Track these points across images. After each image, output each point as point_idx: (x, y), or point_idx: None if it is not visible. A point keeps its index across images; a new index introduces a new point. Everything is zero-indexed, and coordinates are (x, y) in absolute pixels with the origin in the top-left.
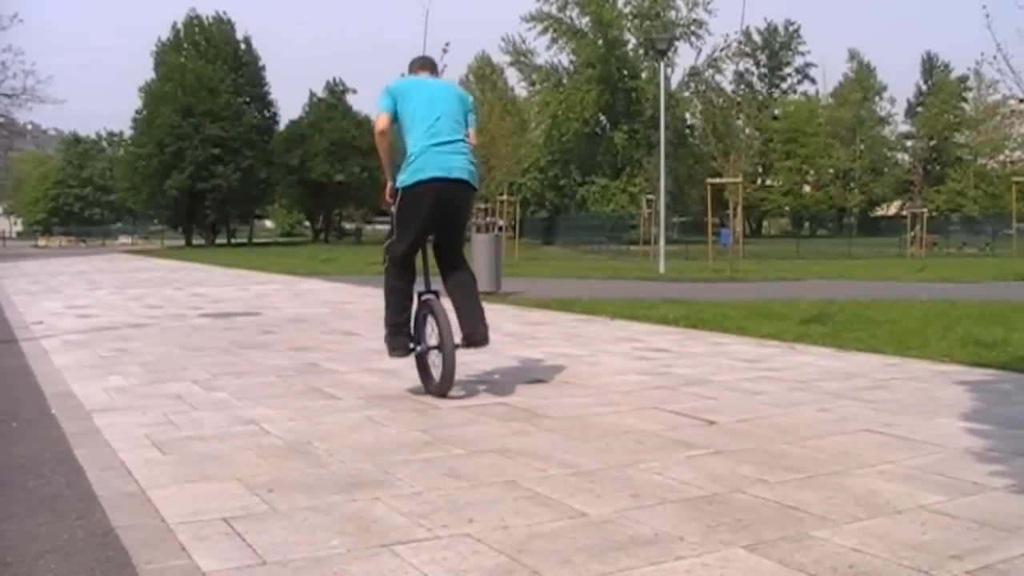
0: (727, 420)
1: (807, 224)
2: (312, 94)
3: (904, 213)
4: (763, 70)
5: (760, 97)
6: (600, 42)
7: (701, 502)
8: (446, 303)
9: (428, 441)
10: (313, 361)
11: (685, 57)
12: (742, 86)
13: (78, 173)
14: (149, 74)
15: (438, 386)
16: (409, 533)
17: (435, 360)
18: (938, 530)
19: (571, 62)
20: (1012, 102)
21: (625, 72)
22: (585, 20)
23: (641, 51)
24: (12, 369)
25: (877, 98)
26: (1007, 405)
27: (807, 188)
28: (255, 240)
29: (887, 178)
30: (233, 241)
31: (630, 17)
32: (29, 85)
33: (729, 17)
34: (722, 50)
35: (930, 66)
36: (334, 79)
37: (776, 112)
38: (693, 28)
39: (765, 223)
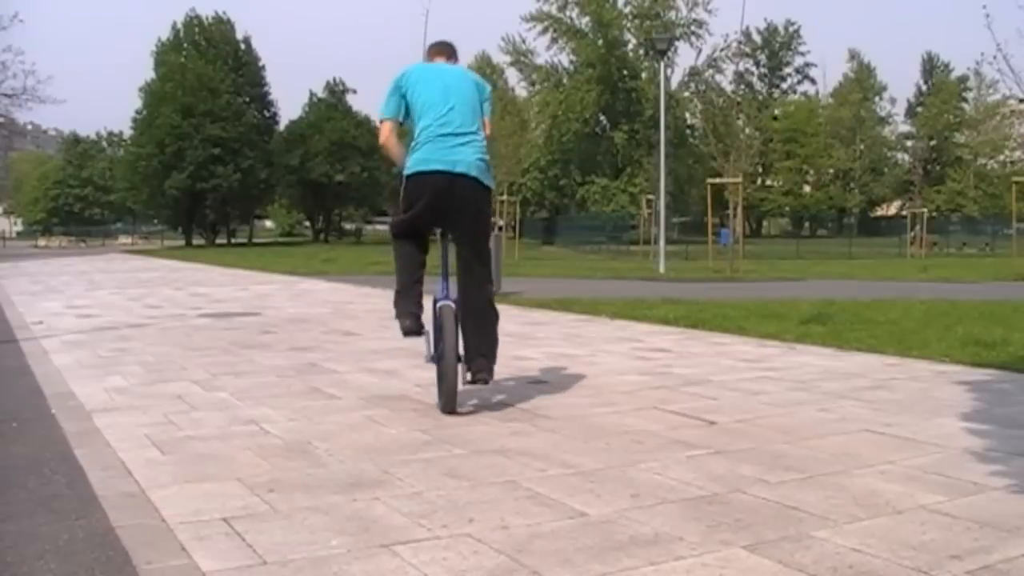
0: (727, 420)
1: (807, 224)
2: (312, 94)
3: (904, 213)
4: (763, 70)
5: (760, 97)
6: (600, 42)
7: (701, 502)
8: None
9: (428, 441)
10: (313, 361)
11: (685, 57)
12: (742, 86)
13: (78, 173)
14: (149, 74)
15: (442, 403)
16: (409, 533)
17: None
18: (938, 530)
19: (571, 62)
20: (1012, 102)
21: (625, 72)
22: (585, 20)
23: (641, 51)
24: (12, 369)
25: (877, 98)
26: (1007, 405)
27: (807, 188)
28: (255, 240)
29: (887, 178)
30: (233, 241)
31: (630, 17)
32: (29, 85)
33: (729, 17)
34: (722, 50)
35: (930, 66)
36: (334, 79)
37: (776, 112)
38: (693, 28)
39: (765, 223)
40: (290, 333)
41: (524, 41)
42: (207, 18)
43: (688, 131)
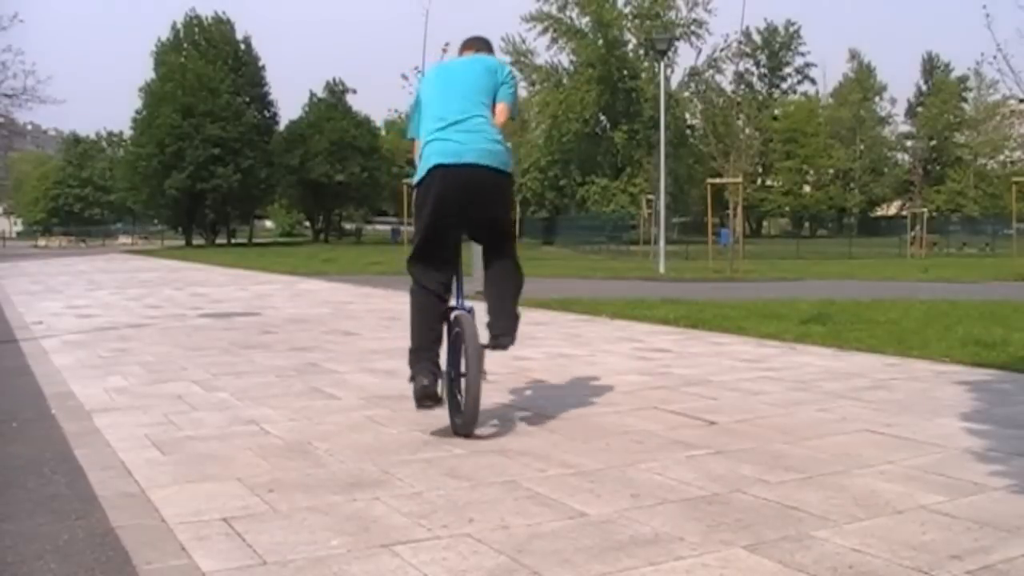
0: (727, 420)
1: (807, 224)
2: (312, 94)
3: (904, 213)
4: (763, 70)
5: (760, 97)
6: (600, 42)
7: (701, 502)
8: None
9: (428, 441)
10: (313, 361)
11: (685, 57)
12: (742, 86)
13: (78, 173)
14: (149, 74)
15: (461, 424)
16: (409, 533)
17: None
18: (938, 530)
19: (571, 62)
20: (1012, 102)
21: (625, 72)
22: (585, 20)
23: (641, 51)
24: (12, 369)
25: (877, 98)
26: (1007, 405)
27: (807, 188)
28: (255, 240)
29: (887, 178)
30: (233, 241)
31: (630, 17)
32: (29, 85)
33: (729, 17)
34: (722, 50)
35: (930, 66)
36: (334, 79)
37: (776, 112)
38: (693, 28)
39: (765, 223)
40: (290, 333)
41: (524, 41)
42: (207, 18)
43: (688, 131)
